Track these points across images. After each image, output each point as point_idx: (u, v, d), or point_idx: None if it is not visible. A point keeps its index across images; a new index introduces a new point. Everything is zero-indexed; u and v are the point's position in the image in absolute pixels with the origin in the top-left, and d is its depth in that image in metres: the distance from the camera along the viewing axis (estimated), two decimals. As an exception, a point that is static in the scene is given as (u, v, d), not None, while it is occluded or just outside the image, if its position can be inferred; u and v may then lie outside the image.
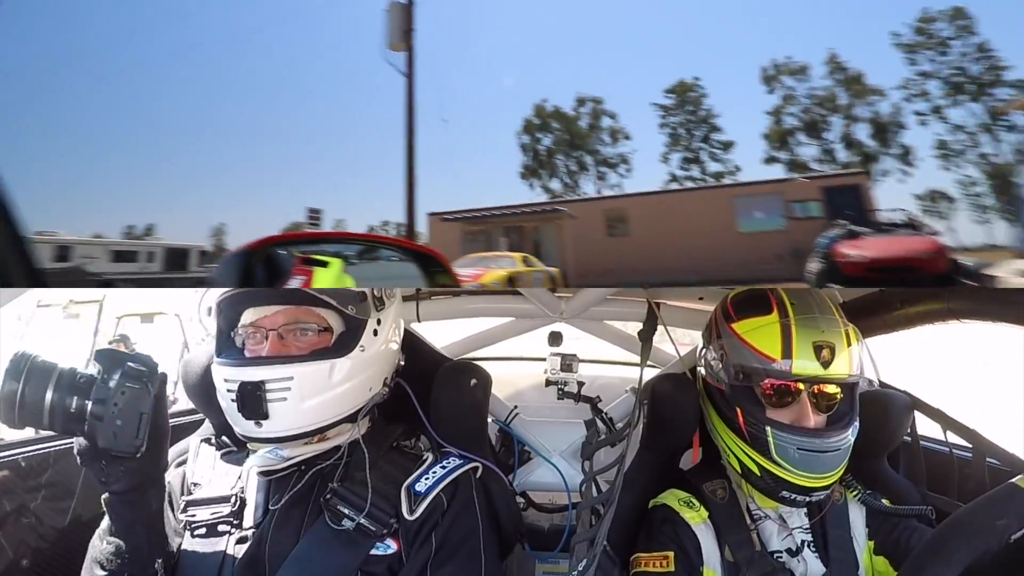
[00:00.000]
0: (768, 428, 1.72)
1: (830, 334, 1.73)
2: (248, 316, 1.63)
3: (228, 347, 1.66)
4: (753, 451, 1.76)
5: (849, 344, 1.75)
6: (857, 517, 1.88)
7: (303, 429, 1.56)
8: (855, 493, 1.91)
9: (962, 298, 1.76)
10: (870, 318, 2.14)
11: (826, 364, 1.70)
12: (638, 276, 21.04)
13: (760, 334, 1.77)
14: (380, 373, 1.73)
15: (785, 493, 1.74)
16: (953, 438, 2.11)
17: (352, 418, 1.66)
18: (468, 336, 3.06)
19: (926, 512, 1.85)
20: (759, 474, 1.76)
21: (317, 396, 1.57)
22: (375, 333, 1.68)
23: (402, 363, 1.84)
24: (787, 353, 1.72)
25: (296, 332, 1.61)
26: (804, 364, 1.71)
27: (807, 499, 1.75)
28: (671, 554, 1.78)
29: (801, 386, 1.73)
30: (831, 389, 1.75)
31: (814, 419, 1.73)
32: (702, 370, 1.98)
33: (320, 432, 1.61)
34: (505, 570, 2.16)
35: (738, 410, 1.79)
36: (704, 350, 1.97)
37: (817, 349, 1.71)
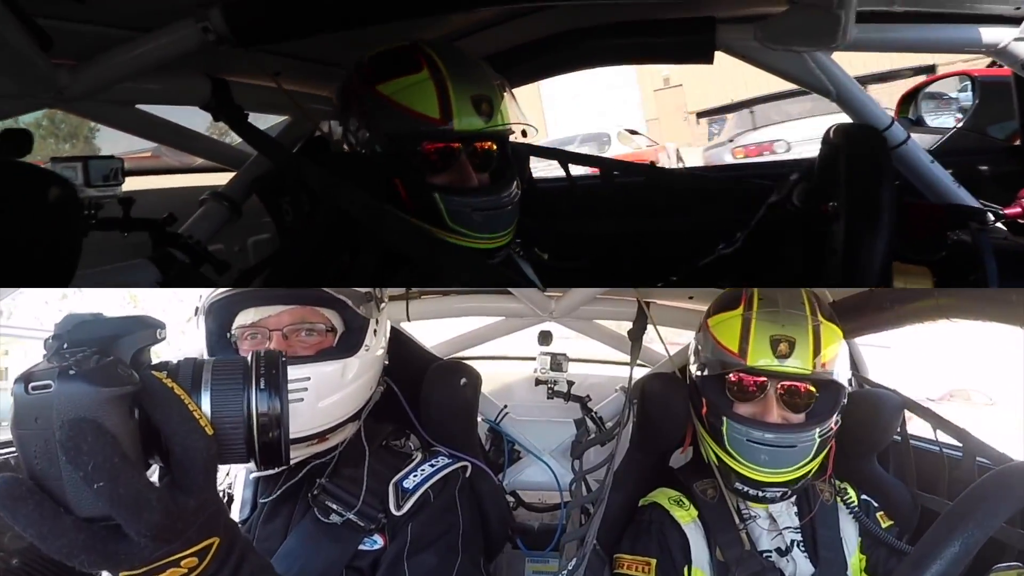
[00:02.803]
0: (724, 419, 1.74)
1: (791, 328, 1.74)
2: (248, 316, 1.60)
3: (223, 349, 1.63)
4: (712, 441, 1.79)
5: (816, 340, 1.74)
6: (848, 520, 1.88)
7: (316, 429, 1.55)
8: (848, 500, 1.90)
9: (952, 297, 1.76)
10: (860, 317, 2.14)
11: (783, 357, 1.71)
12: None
13: (723, 327, 1.81)
14: (377, 374, 1.73)
15: (739, 485, 1.76)
16: (943, 437, 2.11)
17: (356, 417, 1.66)
18: (458, 335, 3.06)
19: (906, 550, 1.85)
20: (718, 465, 1.79)
21: (331, 396, 1.55)
22: (375, 333, 1.67)
23: (386, 362, 1.83)
24: (744, 346, 1.74)
25: (301, 332, 1.59)
26: (758, 357, 1.72)
27: (758, 493, 1.76)
28: (653, 561, 1.79)
29: (764, 380, 1.74)
30: (805, 387, 1.76)
31: (786, 415, 1.74)
32: (692, 367, 1.99)
33: (330, 432, 1.60)
34: (495, 569, 2.15)
35: (704, 401, 1.82)
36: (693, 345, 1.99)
37: (774, 343, 1.72)
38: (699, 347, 1.89)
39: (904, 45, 2.09)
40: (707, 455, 1.84)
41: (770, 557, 1.79)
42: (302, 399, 1.49)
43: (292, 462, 1.57)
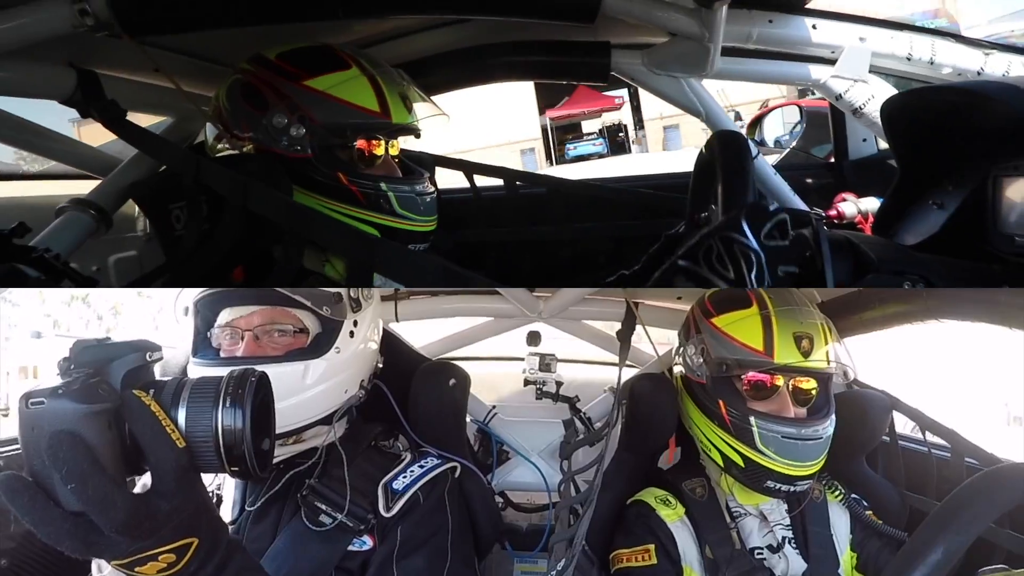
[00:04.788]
0: (752, 418, 1.74)
1: (808, 325, 1.76)
2: (224, 316, 1.62)
3: (204, 347, 1.64)
4: (737, 442, 1.77)
5: (826, 336, 1.78)
6: (839, 519, 1.89)
7: (277, 431, 1.53)
8: (837, 495, 1.91)
9: (941, 297, 1.76)
10: (848, 318, 2.14)
11: (807, 354, 1.73)
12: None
13: (741, 326, 1.79)
14: (356, 375, 1.71)
15: (770, 483, 1.75)
16: (932, 438, 2.12)
17: (327, 420, 1.64)
18: (446, 336, 3.05)
19: (903, 538, 1.85)
20: (743, 465, 1.77)
21: (290, 398, 1.54)
22: (351, 335, 1.66)
23: (380, 365, 1.82)
24: (769, 343, 1.74)
25: (272, 333, 1.59)
26: (785, 354, 1.73)
27: (791, 488, 1.75)
28: (652, 547, 1.79)
29: (780, 381, 1.75)
30: (808, 384, 1.77)
31: (794, 411, 1.75)
32: (679, 368, 1.99)
33: (294, 434, 1.59)
34: (484, 570, 2.14)
35: (720, 402, 1.80)
36: (682, 347, 1.98)
37: (797, 339, 1.74)
38: (703, 348, 1.86)
39: (755, 77, 2.49)
40: (722, 457, 1.82)
41: (761, 554, 1.79)
42: None
43: (274, 462, 1.57)
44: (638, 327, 2.40)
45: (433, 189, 1.87)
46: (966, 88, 1.89)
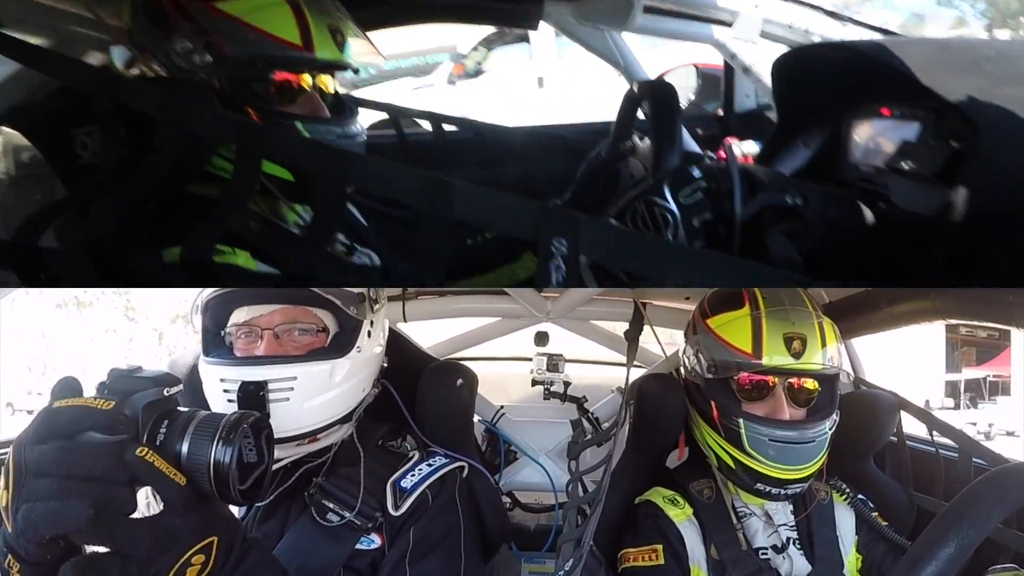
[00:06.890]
0: (741, 420, 1.72)
1: (801, 326, 1.73)
2: (241, 315, 1.59)
3: (217, 346, 1.62)
4: (728, 444, 1.76)
5: (823, 336, 1.75)
6: (845, 520, 1.88)
7: (303, 430, 1.54)
8: (844, 496, 1.91)
9: (948, 298, 1.77)
10: (855, 318, 2.14)
11: (797, 355, 1.70)
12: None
13: (731, 328, 1.78)
14: (372, 374, 1.72)
15: (760, 486, 1.74)
16: (939, 438, 2.11)
17: (346, 419, 1.64)
18: (454, 336, 3.06)
19: (907, 545, 1.84)
20: (734, 467, 1.76)
21: (318, 397, 1.54)
22: (368, 335, 1.66)
23: (385, 364, 1.82)
24: (757, 345, 1.72)
25: (292, 332, 1.58)
26: (774, 356, 1.71)
27: (783, 491, 1.75)
28: (660, 547, 1.78)
29: (774, 380, 1.73)
30: (809, 384, 1.76)
31: (791, 412, 1.73)
32: (683, 368, 1.99)
33: (316, 433, 1.58)
34: (491, 570, 2.14)
35: (712, 404, 1.79)
36: (684, 348, 1.98)
37: (788, 341, 1.71)
38: (699, 349, 1.86)
39: (667, 33, 2.70)
40: (716, 459, 1.82)
41: (766, 554, 1.79)
42: (288, 399, 1.48)
43: (286, 462, 1.58)
44: (646, 327, 2.39)
45: (362, 130, 1.72)
46: (844, 45, 2.15)
